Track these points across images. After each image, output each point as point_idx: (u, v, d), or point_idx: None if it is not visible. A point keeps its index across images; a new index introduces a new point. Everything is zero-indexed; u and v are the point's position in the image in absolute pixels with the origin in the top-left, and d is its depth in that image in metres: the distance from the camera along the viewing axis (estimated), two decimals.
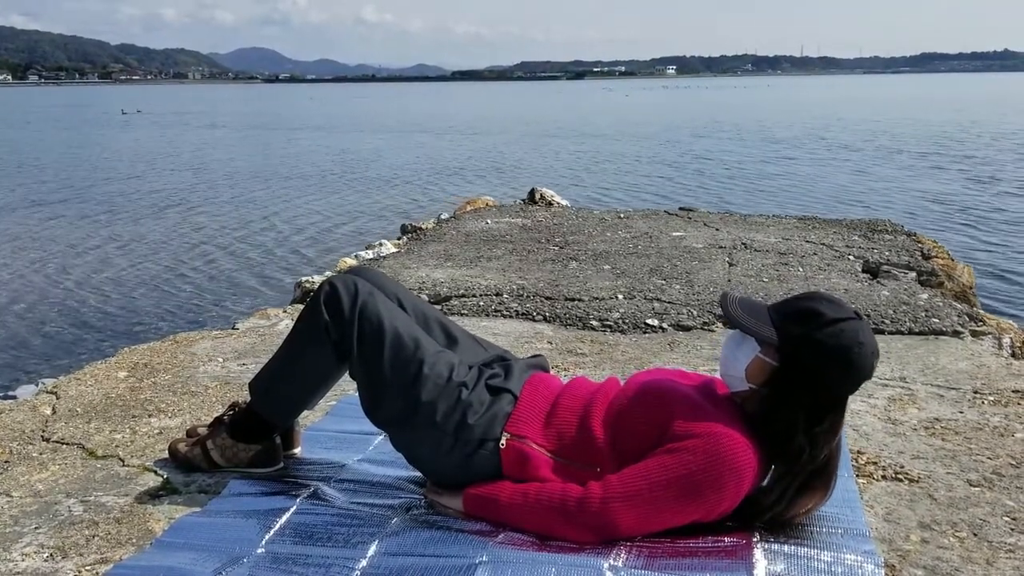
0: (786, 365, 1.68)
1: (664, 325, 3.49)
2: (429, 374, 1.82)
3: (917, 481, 2.02)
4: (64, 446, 2.28)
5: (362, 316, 1.87)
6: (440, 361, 1.86)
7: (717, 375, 1.88)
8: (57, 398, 2.66)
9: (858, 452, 2.19)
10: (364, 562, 1.65)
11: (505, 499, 1.75)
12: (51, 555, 1.73)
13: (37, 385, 3.11)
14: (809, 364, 1.66)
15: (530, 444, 1.79)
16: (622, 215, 6.38)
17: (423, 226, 6.23)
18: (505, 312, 3.69)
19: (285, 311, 3.87)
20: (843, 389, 1.69)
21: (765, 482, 1.72)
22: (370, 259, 5.09)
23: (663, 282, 4.15)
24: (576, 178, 18.08)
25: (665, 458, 1.67)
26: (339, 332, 1.89)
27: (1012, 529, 1.79)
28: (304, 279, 4.74)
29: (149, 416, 2.50)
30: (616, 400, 1.82)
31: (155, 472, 2.11)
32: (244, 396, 2.18)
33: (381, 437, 2.23)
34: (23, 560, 1.71)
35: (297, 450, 2.18)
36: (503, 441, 1.80)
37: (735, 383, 1.76)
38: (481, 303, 3.82)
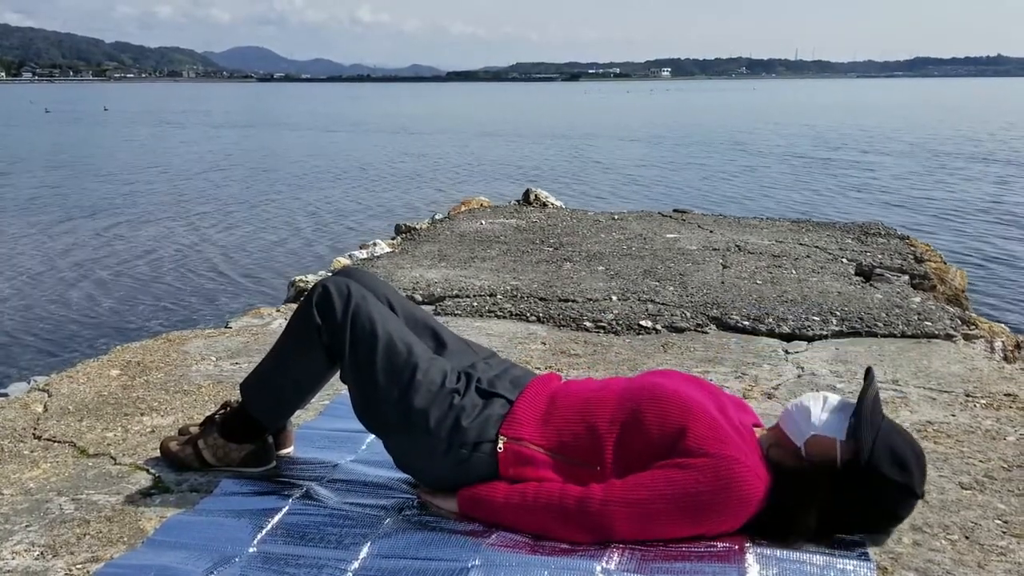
0: (843, 473, 1.68)
1: (658, 327, 3.49)
2: (422, 380, 1.81)
3: None
4: (55, 444, 2.27)
5: (355, 320, 1.86)
6: (433, 367, 1.84)
7: (729, 389, 1.86)
8: (49, 396, 2.65)
9: None
10: (356, 563, 1.65)
11: (501, 499, 1.74)
12: (42, 553, 1.72)
13: (29, 382, 3.08)
14: (859, 494, 1.67)
15: (528, 445, 1.78)
16: (616, 216, 6.39)
17: (417, 226, 6.23)
18: (499, 313, 3.69)
19: (278, 310, 3.86)
20: (862, 529, 1.73)
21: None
22: (364, 259, 5.08)
23: (657, 284, 4.15)
24: (572, 179, 18.08)
25: (673, 472, 1.66)
26: (331, 336, 1.88)
27: (1003, 532, 1.80)
28: (298, 278, 4.73)
29: (141, 414, 2.49)
30: (631, 398, 1.79)
31: (147, 471, 2.10)
32: (236, 395, 2.17)
33: (374, 437, 2.22)
34: (13, 558, 1.70)
35: (289, 449, 2.17)
36: (500, 445, 1.77)
37: (793, 432, 1.73)
38: (475, 304, 3.81)
